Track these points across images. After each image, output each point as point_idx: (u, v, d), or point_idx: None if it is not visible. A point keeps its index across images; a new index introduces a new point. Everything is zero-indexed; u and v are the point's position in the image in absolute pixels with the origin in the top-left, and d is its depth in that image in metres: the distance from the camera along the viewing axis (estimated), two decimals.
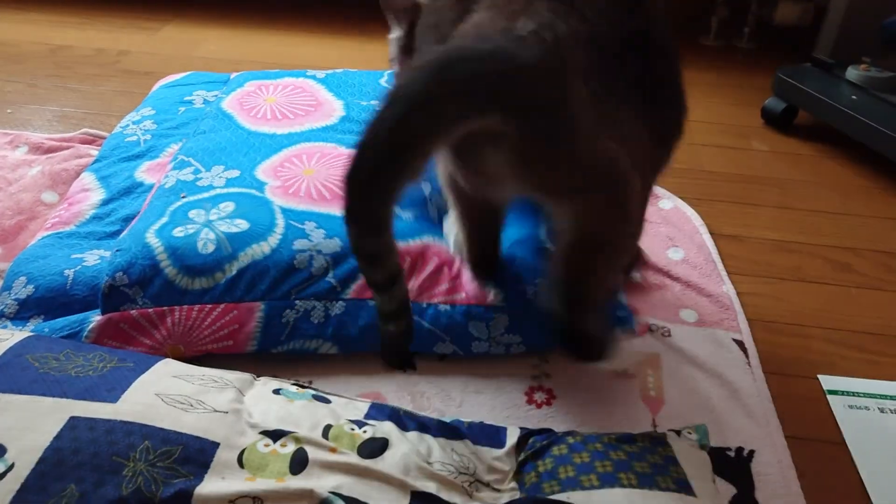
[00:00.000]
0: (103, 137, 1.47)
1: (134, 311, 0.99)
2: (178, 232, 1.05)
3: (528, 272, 1.04)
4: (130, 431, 0.77)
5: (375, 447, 0.81)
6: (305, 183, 1.15)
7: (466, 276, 1.04)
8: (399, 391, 1.00)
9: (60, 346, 0.90)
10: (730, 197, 1.48)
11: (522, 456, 0.84)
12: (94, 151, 1.42)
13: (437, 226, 1.13)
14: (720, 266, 1.24)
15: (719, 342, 1.09)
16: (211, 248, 1.03)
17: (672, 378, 1.02)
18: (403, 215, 1.13)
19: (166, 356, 0.97)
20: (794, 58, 1.97)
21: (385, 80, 1.50)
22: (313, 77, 1.51)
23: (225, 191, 1.13)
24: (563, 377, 1.03)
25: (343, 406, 0.90)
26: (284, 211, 1.09)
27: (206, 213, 1.09)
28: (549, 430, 0.88)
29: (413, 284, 1.04)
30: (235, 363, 0.98)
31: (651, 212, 1.36)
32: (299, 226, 1.07)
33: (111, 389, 0.83)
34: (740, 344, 1.09)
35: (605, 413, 0.96)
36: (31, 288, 1.03)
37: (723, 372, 1.04)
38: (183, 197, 1.12)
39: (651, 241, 1.27)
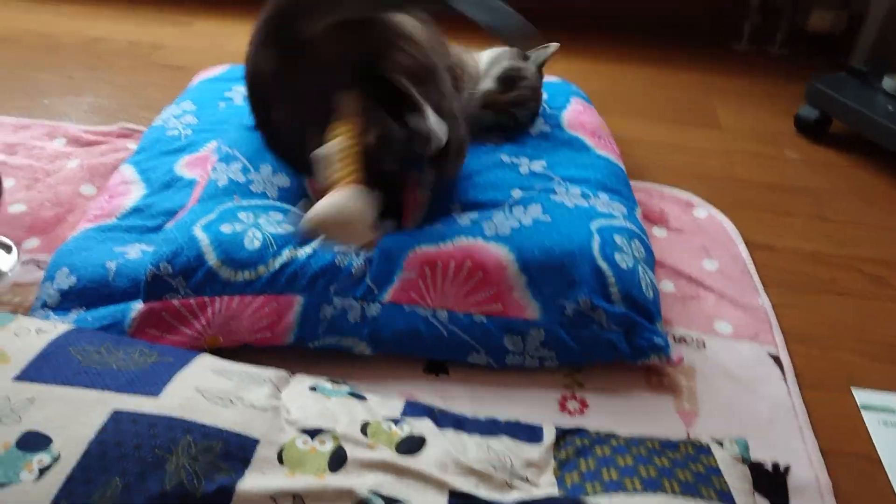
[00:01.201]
0: (141, 132, 1.48)
1: (176, 300, 1.00)
2: (226, 228, 1.06)
3: (568, 288, 1.04)
4: (172, 426, 0.78)
5: (413, 444, 0.81)
6: None
7: (505, 286, 1.04)
8: (431, 394, 1.00)
9: (101, 339, 0.92)
10: (763, 206, 1.47)
11: (563, 453, 0.84)
12: (131, 145, 1.43)
13: (468, 227, 1.13)
14: (755, 277, 1.23)
15: (754, 355, 1.08)
16: (257, 244, 1.05)
17: (707, 391, 1.02)
18: (434, 225, 1.13)
19: (204, 346, 0.99)
20: (827, 65, 1.95)
21: None
22: None
23: (277, 203, 1.15)
24: (597, 386, 1.03)
25: (379, 403, 0.90)
26: None
27: (255, 217, 1.10)
28: (585, 430, 0.88)
29: (449, 290, 1.04)
30: (271, 358, 0.99)
31: (685, 220, 1.35)
32: None
33: (153, 384, 0.84)
34: (775, 358, 1.08)
35: (638, 424, 0.96)
36: (73, 279, 1.04)
37: (758, 386, 1.03)
38: (237, 200, 1.13)
39: (685, 251, 1.27)
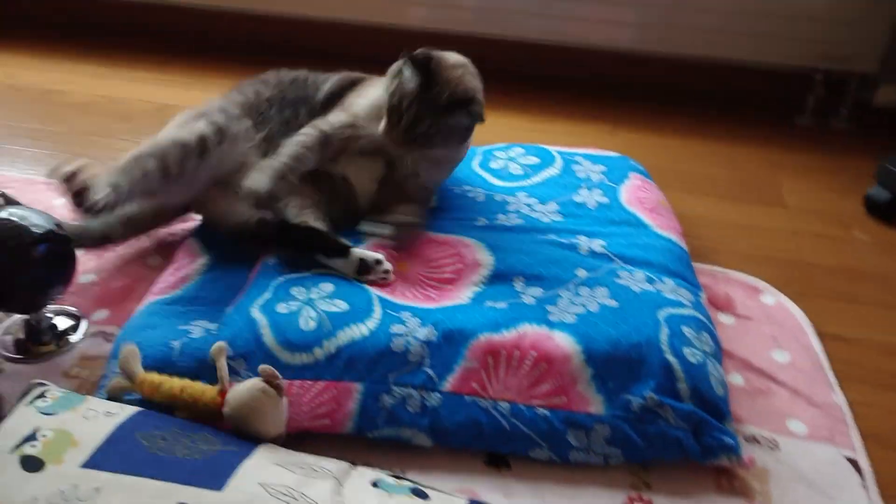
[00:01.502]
0: None
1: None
2: (282, 308, 1.08)
3: (634, 383, 1.01)
4: None
5: None
6: (400, 287, 1.17)
7: (569, 378, 1.02)
8: (492, 490, 0.98)
9: (167, 424, 0.92)
10: (832, 292, 1.42)
11: None
12: (197, 217, 1.46)
13: (532, 309, 1.11)
14: (828, 371, 1.18)
15: (831, 458, 1.03)
16: (312, 324, 1.06)
17: (782, 496, 0.97)
18: (496, 305, 1.12)
19: None
20: (894, 142, 1.91)
21: (478, 163, 1.51)
22: None
23: (324, 272, 1.16)
24: (665, 487, 0.99)
25: (442, 502, 0.88)
26: (381, 300, 1.11)
27: (307, 291, 1.11)
28: None
29: (512, 381, 1.02)
30: (331, 444, 0.98)
31: (752, 307, 1.31)
32: (395, 314, 1.08)
33: (216, 476, 0.83)
34: (853, 462, 1.03)
35: None
36: (140, 354, 1.05)
37: (836, 493, 0.98)
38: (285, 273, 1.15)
39: (754, 341, 1.23)
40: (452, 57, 1.24)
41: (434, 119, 1.19)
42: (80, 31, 2.36)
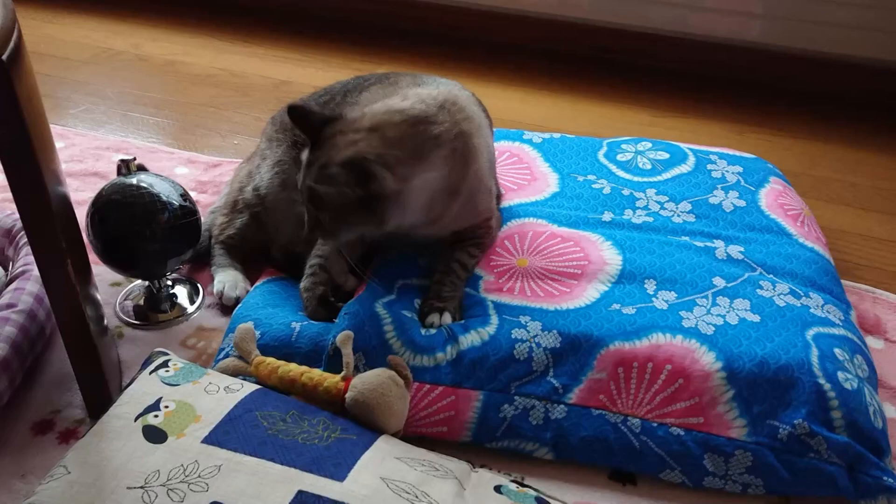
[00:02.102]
0: None
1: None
2: (406, 311, 1.04)
3: (782, 408, 0.93)
4: None
5: None
6: (520, 282, 1.10)
7: (708, 397, 0.94)
8: None
9: (286, 405, 0.90)
10: None
11: None
12: None
13: (665, 315, 1.03)
14: None
15: None
16: (433, 330, 1.02)
17: None
18: (624, 310, 1.04)
19: None
20: None
21: (603, 154, 1.43)
22: (529, 142, 1.47)
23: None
24: None
25: None
26: (497, 306, 1.06)
27: None
28: None
29: (644, 396, 0.95)
30: (445, 449, 0.93)
31: None
32: (514, 318, 1.03)
33: (338, 465, 0.80)
34: None
35: None
36: (257, 333, 1.04)
37: None
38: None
39: None
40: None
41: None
42: (202, 4, 2.39)
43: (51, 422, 1.00)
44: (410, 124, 0.99)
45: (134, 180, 1.10)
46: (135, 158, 1.11)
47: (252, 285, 1.20)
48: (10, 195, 0.84)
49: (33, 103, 0.83)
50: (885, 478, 0.89)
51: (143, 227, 1.07)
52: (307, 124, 1.01)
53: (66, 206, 0.92)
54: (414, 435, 0.95)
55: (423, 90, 1.08)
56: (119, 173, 1.11)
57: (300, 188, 1.01)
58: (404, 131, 0.98)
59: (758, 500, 0.93)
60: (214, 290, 1.19)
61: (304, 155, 1.01)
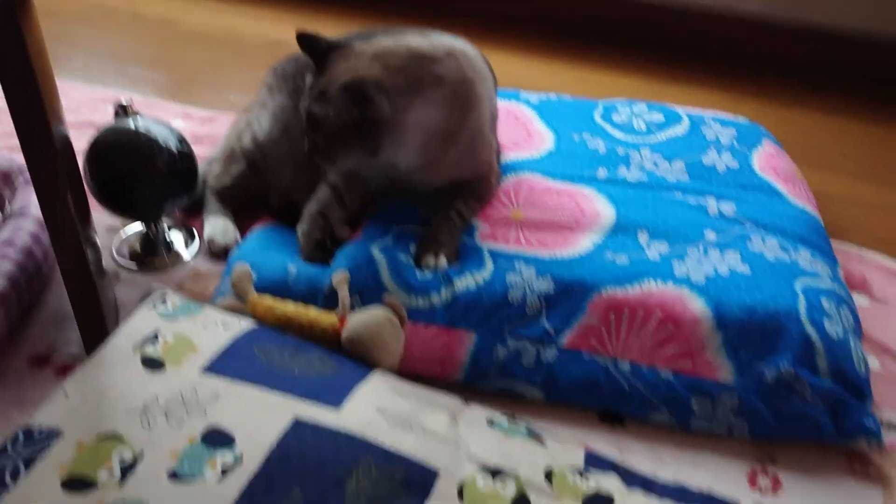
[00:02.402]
0: None
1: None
2: (401, 254, 1.05)
3: (769, 354, 0.95)
4: (354, 444, 0.75)
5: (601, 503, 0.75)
6: (515, 232, 1.11)
7: (697, 343, 0.96)
8: (607, 445, 0.93)
9: (283, 340, 0.91)
10: None
11: None
12: None
13: (657, 265, 1.05)
14: None
15: None
16: (428, 273, 1.04)
17: None
18: (617, 259, 1.06)
19: None
20: None
21: (599, 114, 1.44)
22: (526, 101, 1.48)
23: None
24: (792, 463, 0.92)
25: (559, 450, 0.84)
26: (492, 253, 1.07)
27: None
28: None
29: (634, 341, 0.97)
30: (439, 388, 0.95)
31: (890, 291, 1.21)
32: (508, 264, 1.04)
33: (334, 394, 0.82)
34: None
35: None
36: (254, 275, 1.04)
37: None
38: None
39: (892, 324, 1.13)
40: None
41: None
42: None
43: (48, 357, 1.01)
44: (414, 58, 1.00)
45: (131, 124, 1.10)
46: (132, 102, 1.11)
47: (242, 235, 1.21)
48: (6, 142, 0.85)
49: (35, 38, 0.84)
50: (865, 421, 0.92)
51: (141, 170, 1.08)
52: (314, 49, 1.02)
53: (67, 145, 0.93)
54: (408, 373, 0.97)
55: (434, 38, 1.08)
56: (116, 117, 1.11)
57: (301, 113, 1.02)
58: (407, 63, 0.99)
59: (742, 443, 0.95)
60: (205, 237, 1.20)
61: (308, 80, 1.02)
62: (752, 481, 0.90)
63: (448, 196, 1.13)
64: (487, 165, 1.17)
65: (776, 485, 0.90)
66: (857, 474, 0.92)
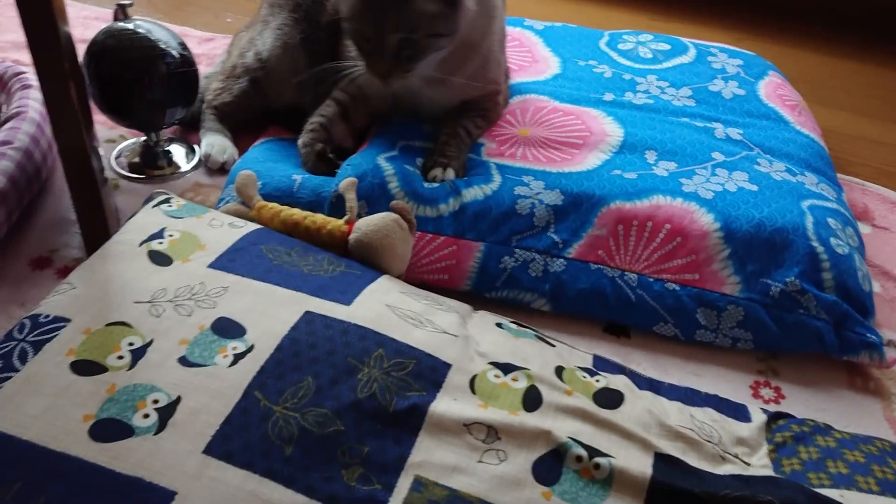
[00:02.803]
0: None
1: None
2: (408, 165, 1.03)
3: (775, 267, 0.95)
4: (365, 336, 0.75)
5: (611, 398, 0.75)
6: (522, 149, 1.10)
7: (704, 255, 0.96)
8: (612, 356, 0.93)
9: (290, 242, 0.90)
10: None
11: (778, 437, 0.76)
12: None
13: (665, 181, 1.04)
14: None
15: None
16: (436, 183, 1.02)
17: None
18: (625, 175, 1.05)
19: None
20: None
21: (605, 42, 1.42)
22: (531, 28, 1.46)
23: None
24: (794, 376, 0.94)
25: (568, 352, 0.85)
26: (500, 167, 1.06)
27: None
28: (796, 417, 0.80)
29: (642, 253, 0.97)
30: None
31: (892, 220, 1.22)
32: (516, 178, 1.03)
33: (343, 292, 0.81)
34: None
35: (841, 426, 0.85)
36: (259, 184, 1.03)
37: None
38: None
39: (893, 251, 1.14)
40: None
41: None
42: None
43: (48, 259, 0.99)
44: None
45: (131, 25, 1.07)
46: (132, 3, 1.08)
47: (240, 154, 1.19)
48: (3, 53, 0.82)
49: None
50: (868, 335, 0.93)
51: (142, 73, 1.05)
52: None
53: (71, 46, 0.90)
54: (416, 281, 0.96)
55: None
56: (116, 19, 1.08)
57: (368, 21, 0.97)
58: None
59: (746, 355, 0.96)
60: (202, 154, 1.18)
61: None
62: (756, 393, 0.91)
63: (455, 114, 1.11)
64: (496, 84, 1.16)
65: (779, 396, 0.91)
66: (857, 388, 0.93)
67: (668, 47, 1.41)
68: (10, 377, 0.69)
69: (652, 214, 0.98)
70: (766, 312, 0.94)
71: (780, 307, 0.94)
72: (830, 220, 1.01)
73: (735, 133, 1.18)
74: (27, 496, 0.60)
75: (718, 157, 1.11)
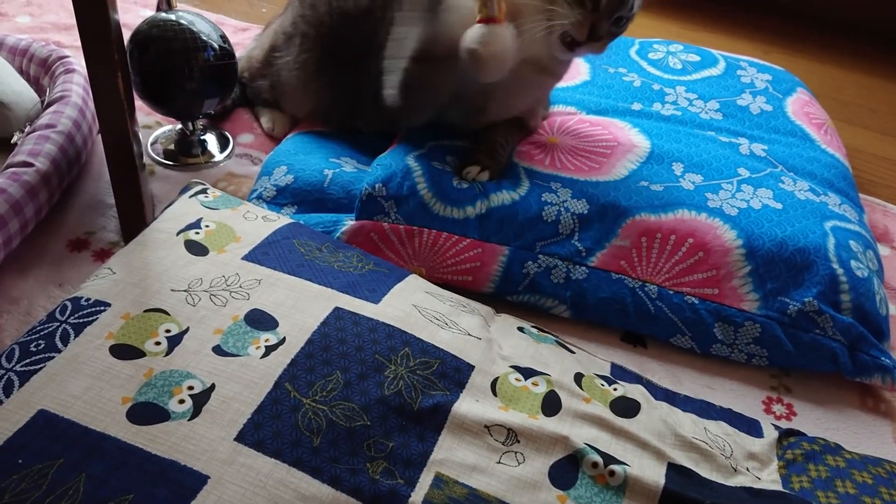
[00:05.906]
0: None
1: (386, 223, 0.99)
2: (436, 164, 1.05)
3: (794, 286, 0.96)
4: (392, 334, 0.77)
5: (628, 407, 0.77)
6: (551, 155, 1.12)
7: (725, 271, 0.97)
8: (628, 365, 0.95)
9: (321, 238, 0.92)
10: None
11: (789, 454, 0.78)
12: None
13: (691, 195, 1.05)
14: None
15: None
16: (465, 185, 1.04)
17: None
18: (652, 186, 1.07)
19: None
20: None
21: (635, 51, 1.44)
22: None
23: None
24: (806, 394, 0.95)
25: (587, 359, 0.87)
26: (528, 171, 1.08)
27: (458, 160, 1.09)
28: (807, 435, 0.82)
29: (663, 265, 0.99)
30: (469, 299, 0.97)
31: None
32: (544, 184, 1.05)
33: (372, 290, 0.83)
34: None
35: (851, 446, 0.87)
36: (290, 178, 1.05)
37: None
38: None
39: None
40: None
41: None
42: None
43: (86, 241, 1.02)
44: None
45: (174, 16, 1.09)
46: None
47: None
48: (44, 35, 0.84)
49: None
50: (882, 358, 0.94)
51: (183, 64, 1.07)
52: None
53: (119, 35, 0.93)
54: (439, 281, 0.98)
55: None
56: (159, 9, 1.11)
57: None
58: None
59: (759, 371, 0.97)
60: (264, 127, 1.24)
61: None
62: (768, 409, 0.93)
63: (491, 126, 1.12)
64: (543, 99, 1.18)
65: (791, 413, 0.93)
66: (868, 409, 0.95)
67: (697, 59, 1.42)
68: (52, 357, 0.72)
69: (676, 228, 1.00)
70: (782, 331, 0.95)
71: (797, 326, 0.95)
72: (852, 243, 1.02)
73: (760, 149, 1.19)
74: (68, 473, 0.63)
75: (744, 172, 1.12)
